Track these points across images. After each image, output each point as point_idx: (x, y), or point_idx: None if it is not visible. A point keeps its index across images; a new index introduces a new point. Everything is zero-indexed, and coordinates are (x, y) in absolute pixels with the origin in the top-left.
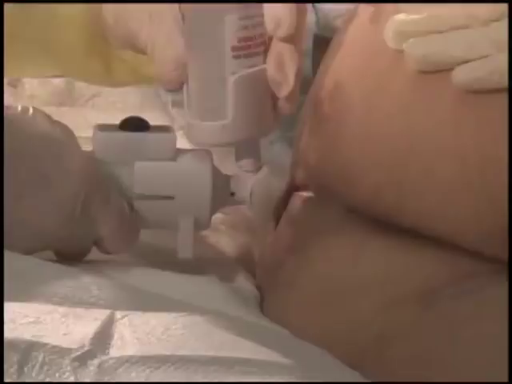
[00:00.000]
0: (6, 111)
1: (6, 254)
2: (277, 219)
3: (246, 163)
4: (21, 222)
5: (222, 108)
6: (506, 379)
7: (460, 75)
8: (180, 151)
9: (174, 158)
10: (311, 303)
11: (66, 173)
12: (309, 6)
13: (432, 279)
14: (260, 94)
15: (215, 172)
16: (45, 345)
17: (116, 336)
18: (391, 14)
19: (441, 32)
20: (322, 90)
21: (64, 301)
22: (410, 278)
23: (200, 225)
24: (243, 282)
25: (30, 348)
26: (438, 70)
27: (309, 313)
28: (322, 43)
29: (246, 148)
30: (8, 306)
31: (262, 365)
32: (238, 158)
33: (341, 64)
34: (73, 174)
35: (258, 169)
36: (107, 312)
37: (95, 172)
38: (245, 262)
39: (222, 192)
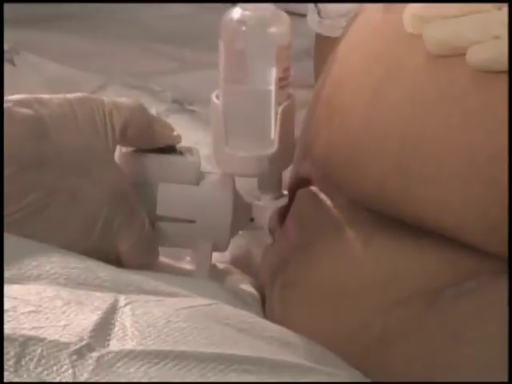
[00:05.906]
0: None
1: (9, 239)
2: (282, 217)
3: (269, 191)
4: (41, 233)
5: (268, 138)
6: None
7: (474, 55)
8: (203, 175)
9: (197, 182)
10: (314, 302)
11: (93, 189)
12: (311, 5)
13: (434, 279)
14: (291, 125)
15: (237, 197)
16: (43, 339)
17: (117, 327)
18: (403, 2)
19: (457, 16)
20: (329, 82)
21: (68, 282)
22: (413, 277)
23: (218, 247)
24: (243, 286)
25: (27, 341)
26: (450, 57)
27: (312, 312)
28: (324, 43)
29: (271, 177)
30: (10, 289)
31: (262, 363)
32: (261, 186)
33: (350, 55)
34: (100, 191)
35: (278, 196)
36: (111, 299)
37: (122, 188)
38: (243, 264)
39: (242, 217)
